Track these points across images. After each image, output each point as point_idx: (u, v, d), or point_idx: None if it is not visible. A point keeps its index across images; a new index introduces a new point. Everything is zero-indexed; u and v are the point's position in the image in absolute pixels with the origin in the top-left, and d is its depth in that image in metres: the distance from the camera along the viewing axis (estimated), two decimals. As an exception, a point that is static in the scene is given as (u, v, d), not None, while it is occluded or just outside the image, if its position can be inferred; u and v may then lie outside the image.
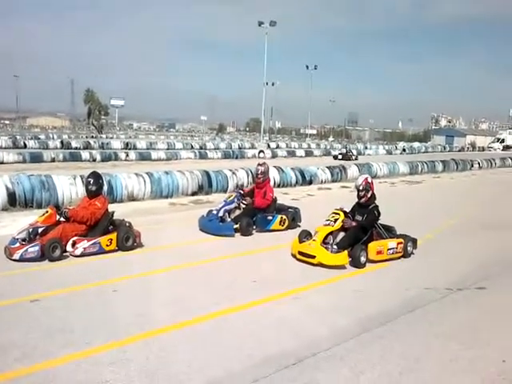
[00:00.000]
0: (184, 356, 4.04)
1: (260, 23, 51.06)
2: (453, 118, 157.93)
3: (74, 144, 36.71)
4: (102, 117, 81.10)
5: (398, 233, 7.84)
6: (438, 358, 4.25)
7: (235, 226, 8.68)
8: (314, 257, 6.84)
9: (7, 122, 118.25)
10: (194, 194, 13.60)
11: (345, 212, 7.45)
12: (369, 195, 7.60)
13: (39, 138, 43.65)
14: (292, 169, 17.55)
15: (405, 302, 5.63)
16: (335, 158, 34.21)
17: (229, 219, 8.91)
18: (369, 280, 6.51)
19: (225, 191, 13.93)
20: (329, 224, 7.24)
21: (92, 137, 55.54)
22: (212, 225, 8.71)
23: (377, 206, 7.57)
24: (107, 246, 7.10)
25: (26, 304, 5.00)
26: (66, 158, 26.85)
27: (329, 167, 19.22)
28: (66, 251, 6.79)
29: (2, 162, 23.57)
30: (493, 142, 75.45)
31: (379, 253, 7.13)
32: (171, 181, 13.29)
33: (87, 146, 35.98)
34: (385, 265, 7.17)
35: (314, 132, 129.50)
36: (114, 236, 7.19)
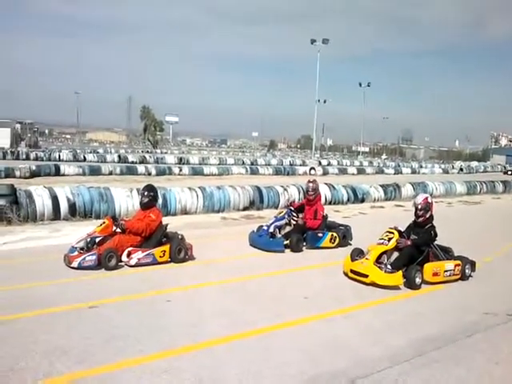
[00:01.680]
0: (236, 369, 4.03)
1: (312, 41, 51.35)
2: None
3: (130, 158, 38.13)
4: (157, 132, 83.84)
5: (455, 254, 7.55)
6: (499, 386, 4.03)
7: (285, 242, 8.66)
8: (366, 276, 6.68)
9: (68, 136, 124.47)
10: (245, 209, 13.72)
11: (399, 231, 7.25)
12: (427, 215, 7.39)
13: (98, 152, 45.66)
14: (344, 186, 17.36)
15: (463, 326, 5.39)
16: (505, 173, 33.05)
17: (279, 235, 8.90)
18: (424, 302, 6.28)
19: (276, 207, 13.97)
20: (382, 243, 7.06)
21: (147, 151, 57.44)
22: (262, 240, 8.74)
23: (433, 227, 7.33)
24: (160, 257, 7.27)
25: (85, 310, 5.19)
26: (123, 171, 27.88)
27: (382, 185, 18.86)
28: (121, 261, 7.02)
29: (63, 174, 24.76)
30: (557, 163, 71.60)
31: (435, 274, 6.88)
32: (223, 196, 13.47)
33: (143, 161, 37.24)
34: (440, 287, 6.90)
35: (367, 150, 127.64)
36: (167, 248, 7.35)
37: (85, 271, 6.62)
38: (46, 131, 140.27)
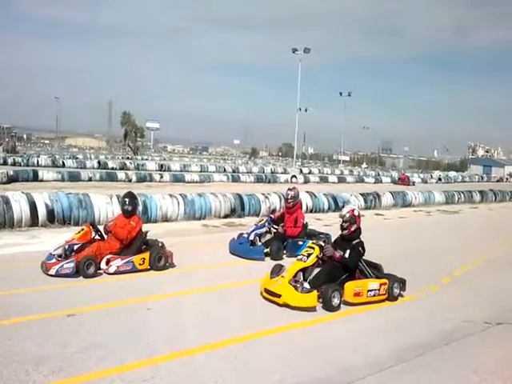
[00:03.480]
0: (215, 378, 4.00)
1: (294, 50, 51.68)
2: (491, 148, 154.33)
3: (110, 164, 37.72)
4: (138, 139, 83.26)
5: (393, 272, 6.89)
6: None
7: (265, 250, 8.65)
8: (279, 296, 5.91)
9: (47, 141, 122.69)
10: (226, 216, 13.69)
11: (321, 246, 6.51)
12: (352, 229, 6.81)
13: (77, 158, 45.02)
14: (325, 195, 17.47)
15: (441, 334, 5.44)
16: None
17: (259, 243, 8.90)
18: (402, 311, 6.33)
19: (257, 215, 13.96)
20: (301, 259, 6.36)
21: (128, 158, 56.92)
22: (242, 248, 8.72)
23: (361, 242, 6.75)
24: (140, 264, 7.19)
25: (63, 318, 5.09)
26: (103, 177, 27.55)
27: (362, 194, 19.02)
28: (100, 269, 6.91)
29: (41, 180, 24.34)
30: (533, 174, 73.30)
31: (357, 294, 6.12)
32: (204, 203, 13.42)
33: (123, 167, 36.87)
34: (417, 296, 6.97)
35: (347, 158, 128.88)
36: (146, 255, 7.27)
37: (63, 279, 6.50)
38: (25, 136, 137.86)
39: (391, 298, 6.51)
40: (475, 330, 5.61)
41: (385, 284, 6.45)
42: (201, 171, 40.07)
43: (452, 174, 63.43)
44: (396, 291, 6.60)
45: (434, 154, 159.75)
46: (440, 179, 52.64)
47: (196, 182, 29.98)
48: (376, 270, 6.82)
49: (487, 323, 5.88)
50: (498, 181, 61.24)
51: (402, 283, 6.74)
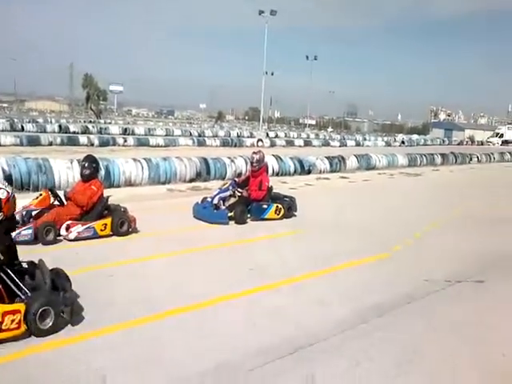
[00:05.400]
0: (179, 343, 3.97)
1: (260, 12, 50.35)
2: (452, 112, 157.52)
3: (72, 128, 36.59)
4: (101, 102, 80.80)
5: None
6: (437, 351, 4.17)
7: (230, 214, 8.58)
8: None
9: (5, 105, 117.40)
10: (191, 180, 13.53)
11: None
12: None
13: (37, 122, 43.25)
14: (291, 158, 17.46)
15: (403, 293, 5.54)
16: None
17: (223, 207, 8.82)
18: (367, 270, 6.42)
19: (223, 178, 13.83)
20: None
21: (90, 122, 55.20)
22: (206, 212, 8.63)
23: None
24: (101, 230, 7.01)
25: (19, 287, 4.91)
26: (64, 142, 26.72)
27: (328, 157, 19.11)
28: (59, 235, 6.71)
29: (-2, 145, 23.37)
30: (492, 137, 75.17)
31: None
32: (169, 167, 13.19)
33: (85, 131, 35.85)
34: (382, 256, 7.10)
35: (313, 122, 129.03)
36: (108, 221, 7.09)
37: (20, 246, 6.23)
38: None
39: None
40: (436, 289, 5.75)
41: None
42: (166, 135, 39.36)
43: (415, 137, 64.52)
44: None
45: (397, 118, 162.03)
46: (403, 142, 53.51)
47: (161, 146, 29.45)
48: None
49: (447, 281, 6.04)
50: (458, 144, 62.66)
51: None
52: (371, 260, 6.89)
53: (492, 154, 32.14)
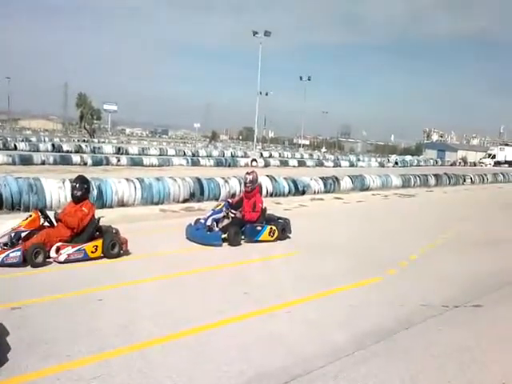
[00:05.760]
0: (170, 372, 3.81)
1: (254, 33, 51.00)
2: (445, 133, 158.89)
3: (65, 147, 36.53)
4: (95, 121, 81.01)
5: None
6: (435, 378, 4.06)
7: (223, 236, 8.46)
8: None
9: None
10: (185, 201, 13.40)
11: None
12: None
13: (30, 141, 43.23)
14: (285, 178, 17.41)
15: (400, 318, 5.42)
16: None
17: (217, 228, 8.69)
18: (363, 294, 6.30)
19: (217, 199, 13.75)
20: None
21: (84, 141, 55.17)
22: (199, 234, 8.49)
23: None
24: (92, 252, 6.86)
25: (6, 312, 4.75)
26: (57, 161, 26.56)
27: (322, 178, 19.09)
28: (49, 257, 6.56)
29: (-10, 163, 23.20)
30: (484, 158, 75.94)
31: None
32: (162, 187, 13.08)
33: (79, 150, 35.78)
34: (378, 279, 6.99)
35: (307, 142, 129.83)
36: (99, 243, 6.95)
37: (8, 268, 6.12)
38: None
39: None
40: (433, 314, 5.63)
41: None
42: (160, 155, 39.33)
43: (408, 158, 64.89)
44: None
45: (390, 139, 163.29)
46: (397, 163, 53.80)
47: (155, 165, 29.37)
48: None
49: (445, 306, 5.93)
50: (451, 165, 63.15)
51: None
52: (367, 283, 6.77)
53: (485, 174, 32.30)
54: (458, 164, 66.73)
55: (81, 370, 3.73)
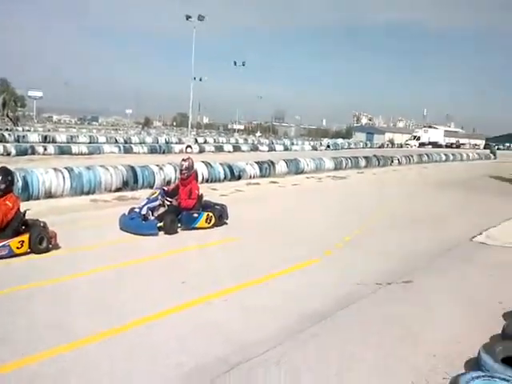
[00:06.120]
0: (108, 369, 3.66)
1: (188, 17, 49.88)
2: (373, 117, 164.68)
3: (-15, 137, 34.10)
4: (19, 108, 76.50)
5: None
6: (374, 354, 4.18)
7: (159, 225, 8.27)
8: None
9: None
10: (118, 190, 12.96)
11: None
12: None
13: None
14: (220, 164, 17.29)
15: (337, 298, 5.56)
16: None
17: (152, 217, 8.47)
18: (301, 277, 6.40)
19: (151, 187, 13.38)
20: None
21: (7, 129, 51.86)
22: (134, 223, 8.23)
23: None
24: (18, 248, 6.44)
25: None
26: (-24, 152, 24.79)
27: (257, 162, 19.15)
28: (-30, 255, 6.09)
29: None
30: (410, 140, 79.40)
31: None
32: (93, 176, 12.55)
33: (1, 140, 33.55)
34: (314, 261, 7.12)
35: (242, 127, 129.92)
36: (25, 238, 6.53)
37: None
38: None
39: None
40: (368, 292, 5.82)
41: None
42: (90, 142, 37.72)
43: (339, 141, 66.61)
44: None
45: (322, 123, 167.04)
46: (329, 146, 55.07)
47: (84, 153, 28.16)
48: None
49: (378, 284, 6.14)
50: (380, 147, 65.46)
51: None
52: (305, 266, 6.88)
53: (412, 156, 33.79)
54: (386, 146, 69.33)
55: (8, 375, 3.50)
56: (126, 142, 39.68)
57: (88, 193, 12.24)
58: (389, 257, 7.64)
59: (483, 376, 3.41)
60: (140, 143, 39.52)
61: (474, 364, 3.81)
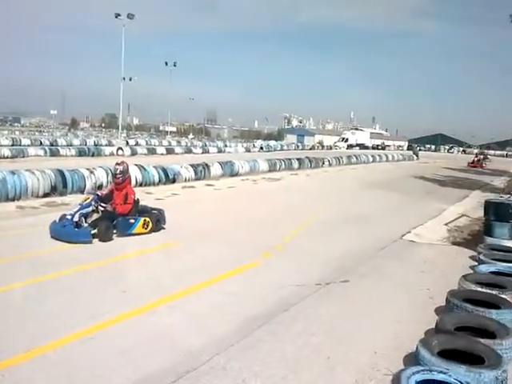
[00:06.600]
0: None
1: (117, 15, 48.53)
2: (303, 119, 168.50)
3: None
4: None
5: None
6: (316, 356, 4.27)
7: (93, 232, 7.95)
8: None
9: None
10: (46, 195, 12.32)
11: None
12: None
13: None
14: (154, 167, 16.94)
15: (280, 300, 5.63)
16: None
17: (85, 224, 8.14)
18: (242, 281, 6.41)
19: (82, 192, 12.86)
20: None
21: None
22: (66, 231, 7.85)
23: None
24: None
25: None
26: None
27: (192, 165, 18.96)
28: None
29: None
30: (338, 141, 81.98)
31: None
32: (18, 181, 11.83)
33: None
34: (254, 264, 7.16)
35: (174, 129, 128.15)
36: None
37: None
38: None
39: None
40: (309, 293, 5.93)
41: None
42: (12, 145, 35.59)
43: (272, 143, 67.48)
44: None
45: (254, 125, 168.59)
46: (262, 148, 55.63)
47: (7, 157, 26.50)
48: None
49: (318, 284, 6.28)
50: (311, 148, 67.08)
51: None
52: (246, 269, 6.90)
53: (341, 157, 34.92)
54: (316, 148, 71.18)
55: None
56: (51, 145, 37.82)
57: (13, 199, 11.52)
58: (327, 257, 7.84)
59: (422, 370, 3.58)
60: (67, 145, 37.83)
61: (413, 358, 3.98)
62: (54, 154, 29.77)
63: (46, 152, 29.85)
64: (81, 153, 31.46)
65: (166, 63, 71.81)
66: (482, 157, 41.31)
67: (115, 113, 64.08)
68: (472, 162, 37.77)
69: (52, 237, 7.89)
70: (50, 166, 14.76)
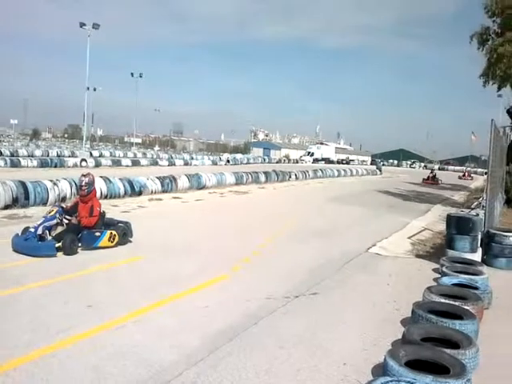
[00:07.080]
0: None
1: (82, 24, 47.99)
2: (269, 133, 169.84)
3: None
4: None
5: None
6: (287, 369, 4.28)
7: (57, 245, 7.75)
8: None
9: None
10: (7, 207, 11.95)
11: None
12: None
13: None
14: (120, 179, 16.69)
15: (249, 314, 5.62)
16: None
17: (49, 237, 7.94)
18: (210, 294, 6.36)
19: (45, 204, 12.56)
20: None
21: None
22: (29, 244, 7.63)
23: None
24: None
25: None
26: None
27: (159, 177, 18.78)
28: None
29: None
30: (304, 155, 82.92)
31: None
32: (-22, 193, 11.46)
33: None
34: (223, 277, 7.14)
35: (139, 141, 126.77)
36: None
37: None
38: None
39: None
40: (278, 306, 5.95)
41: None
42: (-30, 156, 34.49)
43: (239, 156, 67.66)
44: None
45: (221, 138, 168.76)
46: (228, 161, 55.69)
47: (-36, 168, 25.66)
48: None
49: (286, 297, 6.30)
50: (277, 162, 67.66)
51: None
52: (214, 282, 6.86)
53: (307, 171, 35.30)
54: (283, 161, 71.82)
55: None
56: (12, 155, 36.80)
57: (-28, 211, 11.14)
58: (295, 269, 7.90)
59: (390, 381, 3.63)
60: (29, 156, 36.91)
61: (381, 369, 4.05)
62: (15, 164, 29.00)
63: (6, 162, 29.01)
64: (43, 164, 30.74)
65: (132, 74, 71.41)
66: (435, 173, 42.40)
67: (78, 123, 62.87)
68: (427, 179, 38.74)
69: (14, 250, 7.65)
70: (11, 176, 14.37)
